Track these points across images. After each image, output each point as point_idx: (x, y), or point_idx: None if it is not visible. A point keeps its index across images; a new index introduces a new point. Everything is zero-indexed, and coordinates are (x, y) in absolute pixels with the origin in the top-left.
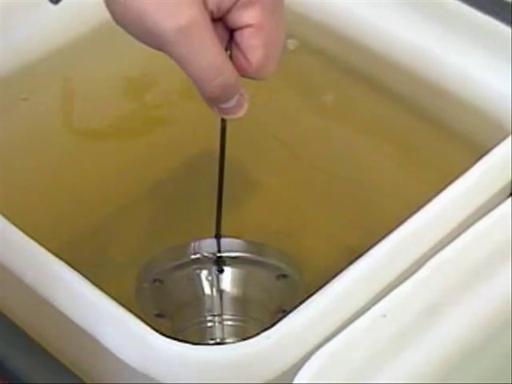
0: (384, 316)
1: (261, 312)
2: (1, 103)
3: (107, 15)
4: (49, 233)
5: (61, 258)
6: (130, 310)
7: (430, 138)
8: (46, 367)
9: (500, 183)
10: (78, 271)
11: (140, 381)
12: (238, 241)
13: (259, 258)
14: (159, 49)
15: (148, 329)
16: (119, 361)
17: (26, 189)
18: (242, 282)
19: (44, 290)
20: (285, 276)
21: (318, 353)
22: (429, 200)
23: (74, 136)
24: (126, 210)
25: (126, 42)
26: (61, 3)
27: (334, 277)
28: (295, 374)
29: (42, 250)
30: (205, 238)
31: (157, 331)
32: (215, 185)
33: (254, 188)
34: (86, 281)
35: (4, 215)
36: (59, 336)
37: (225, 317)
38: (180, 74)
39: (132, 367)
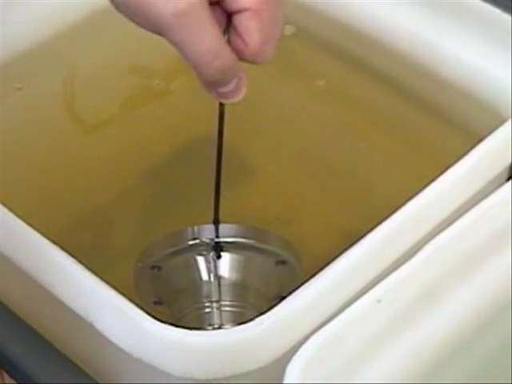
0: (379, 301)
1: (259, 298)
2: None
3: (101, 1)
4: (47, 220)
5: (59, 245)
6: (128, 297)
7: (428, 125)
8: (42, 354)
9: (498, 167)
10: (77, 258)
11: (135, 366)
12: (236, 226)
13: (258, 244)
14: (158, 33)
15: (143, 314)
16: (114, 346)
17: (23, 175)
18: (241, 268)
19: (40, 275)
20: (284, 262)
21: (313, 339)
22: (426, 185)
23: (71, 123)
24: (123, 197)
25: (123, 27)
26: None
27: (330, 261)
28: (289, 359)
29: (39, 237)
30: (203, 223)
31: (154, 317)
32: (213, 170)
33: (250, 174)
34: (81, 266)
35: (2, 203)
36: (55, 322)
37: (223, 303)
38: (178, 59)
39: (127, 352)
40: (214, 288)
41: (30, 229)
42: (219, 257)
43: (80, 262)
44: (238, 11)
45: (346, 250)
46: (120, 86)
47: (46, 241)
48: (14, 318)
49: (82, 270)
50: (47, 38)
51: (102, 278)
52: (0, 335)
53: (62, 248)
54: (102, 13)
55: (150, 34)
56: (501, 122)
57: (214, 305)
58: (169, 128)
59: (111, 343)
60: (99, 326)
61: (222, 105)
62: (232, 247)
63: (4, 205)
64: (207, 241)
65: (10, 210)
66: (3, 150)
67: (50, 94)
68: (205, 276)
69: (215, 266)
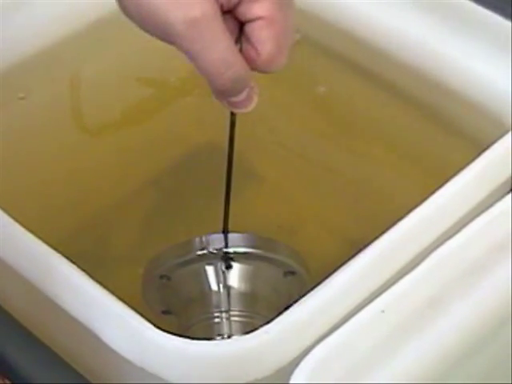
0: (382, 311)
1: (268, 308)
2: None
3: (106, 9)
4: (50, 227)
5: (62, 252)
6: (131, 305)
7: (430, 134)
8: (45, 362)
9: (500, 178)
10: (79, 265)
11: (138, 375)
12: (246, 236)
13: (267, 254)
14: (169, 42)
15: (146, 323)
16: (118, 355)
17: (26, 183)
18: (250, 278)
19: (43, 284)
20: (292, 273)
21: (317, 348)
22: (430, 195)
23: (74, 130)
24: (127, 204)
25: (127, 34)
26: None
27: (333, 271)
28: (293, 369)
29: (42, 245)
30: (207, 231)
31: (160, 327)
32: (218, 178)
33: (255, 183)
34: (84, 275)
35: (4, 209)
36: (58, 330)
37: (232, 313)
38: (183, 67)
39: (130, 362)
40: (223, 298)
41: (32, 237)
42: (229, 267)
43: (82, 269)
44: (250, 20)
45: (349, 259)
46: (124, 93)
47: (48, 249)
48: (17, 327)
49: (84, 279)
50: (50, 45)
51: (104, 286)
52: (3, 344)
53: (65, 255)
54: (107, 20)
55: (155, 41)
56: (503, 130)
57: (223, 315)
58: (173, 136)
59: (114, 352)
60: (102, 335)
61: (233, 114)
62: (241, 257)
63: (6, 212)
64: (216, 251)
65: (13, 217)
66: (6, 158)
67: (53, 101)
68: (214, 286)
69: (224, 276)
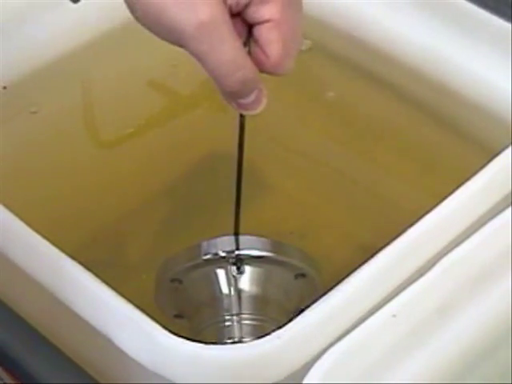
0: (394, 316)
1: (279, 311)
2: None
3: (116, 20)
4: (65, 234)
5: (77, 259)
6: (145, 310)
7: (440, 139)
8: (58, 366)
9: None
10: (93, 272)
11: (151, 380)
12: (256, 239)
13: (278, 257)
14: (178, 45)
15: (159, 328)
16: (131, 360)
17: (42, 191)
18: (261, 281)
19: (57, 289)
20: (303, 275)
21: (328, 353)
22: (441, 200)
23: (87, 139)
24: (141, 211)
25: (139, 43)
26: (79, 3)
27: (345, 277)
28: (305, 374)
29: (56, 251)
30: (222, 236)
31: (173, 332)
32: (230, 185)
33: (266, 189)
34: (98, 281)
35: (21, 218)
36: (72, 335)
37: (243, 316)
38: (195, 75)
39: (143, 366)
40: (234, 301)
41: (47, 243)
42: (239, 270)
43: (96, 276)
44: (259, 23)
45: (361, 264)
46: (135, 103)
47: (63, 255)
48: (30, 330)
49: (98, 284)
50: (60, 58)
51: (118, 292)
52: (17, 348)
53: (79, 262)
54: (117, 30)
55: (166, 50)
56: (509, 133)
57: (235, 318)
58: (185, 144)
59: (127, 356)
60: (115, 340)
61: (242, 116)
62: (252, 260)
63: (22, 220)
64: (228, 254)
65: (28, 224)
66: (22, 170)
67: (65, 113)
68: (225, 289)
69: (235, 279)
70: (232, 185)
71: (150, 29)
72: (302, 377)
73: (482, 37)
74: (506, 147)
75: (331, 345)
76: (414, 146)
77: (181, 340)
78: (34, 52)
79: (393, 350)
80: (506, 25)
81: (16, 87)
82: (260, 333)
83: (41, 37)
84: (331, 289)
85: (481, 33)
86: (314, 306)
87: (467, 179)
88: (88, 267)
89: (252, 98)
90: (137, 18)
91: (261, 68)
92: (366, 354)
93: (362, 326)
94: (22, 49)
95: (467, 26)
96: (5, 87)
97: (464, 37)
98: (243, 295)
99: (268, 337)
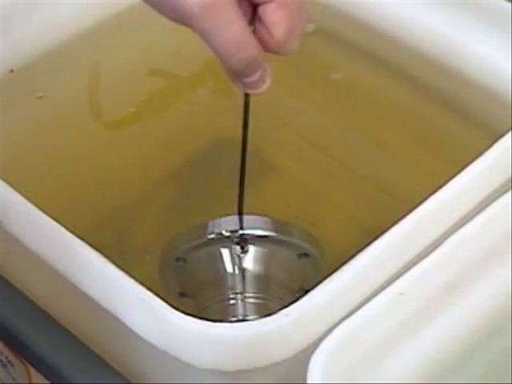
0: (401, 294)
1: (282, 290)
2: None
3: (120, 5)
4: (73, 218)
5: (85, 242)
6: (152, 290)
7: (446, 122)
8: (67, 347)
9: None
10: (101, 254)
11: (160, 358)
12: (260, 218)
13: (281, 237)
14: (184, 24)
15: (167, 307)
16: (140, 338)
17: (48, 175)
18: (264, 261)
19: (67, 270)
20: (306, 255)
21: (336, 331)
22: (446, 182)
23: (94, 123)
24: (146, 194)
25: (145, 27)
26: None
27: (351, 257)
28: (313, 351)
29: (65, 232)
30: (227, 216)
31: (178, 310)
32: (235, 170)
33: (272, 173)
34: (107, 261)
35: (31, 201)
36: (81, 315)
37: (247, 294)
38: (200, 60)
39: (152, 345)
40: (238, 280)
41: (57, 225)
42: (244, 249)
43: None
44: (264, 2)
45: (364, 247)
46: (141, 87)
47: (72, 236)
48: (40, 313)
49: (107, 265)
50: (65, 43)
51: (126, 273)
52: (27, 330)
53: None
54: (121, 15)
55: (171, 34)
56: None
57: (238, 296)
58: (191, 128)
59: (137, 336)
60: (125, 319)
61: (247, 95)
62: (256, 239)
63: (32, 202)
64: (232, 233)
65: (37, 207)
66: (30, 155)
67: (71, 98)
68: (229, 268)
69: (239, 258)
70: (236, 168)
71: (155, 7)
72: (311, 354)
73: (486, 18)
74: (508, 131)
75: (339, 322)
76: (418, 128)
77: (190, 318)
78: (41, 36)
79: (400, 327)
80: (507, 5)
81: (23, 71)
82: (263, 311)
83: (48, 21)
84: (336, 269)
85: (483, 13)
86: (322, 285)
87: (470, 162)
88: (95, 249)
89: (256, 76)
90: None
91: (265, 47)
92: (373, 332)
93: (370, 304)
94: (30, 32)
95: (469, 7)
96: (12, 70)
97: (466, 18)
98: (247, 274)
99: (276, 314)
